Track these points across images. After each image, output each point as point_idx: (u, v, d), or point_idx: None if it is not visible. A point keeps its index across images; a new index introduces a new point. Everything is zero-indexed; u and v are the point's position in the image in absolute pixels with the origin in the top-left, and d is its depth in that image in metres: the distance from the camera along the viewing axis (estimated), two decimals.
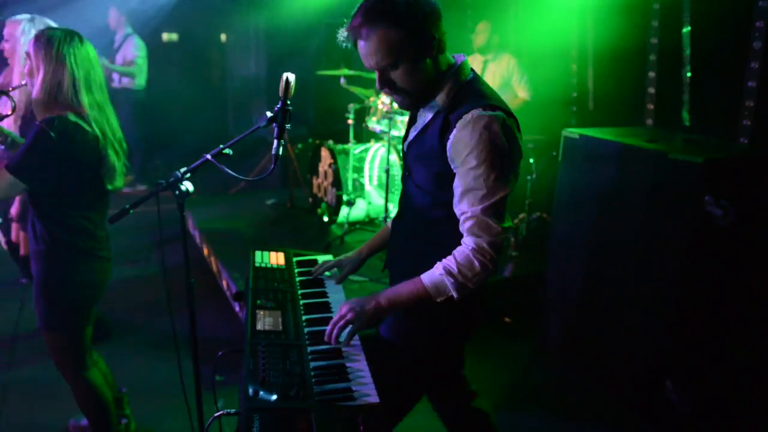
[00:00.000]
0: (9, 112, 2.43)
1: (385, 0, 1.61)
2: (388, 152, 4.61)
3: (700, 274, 2.88)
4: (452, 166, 1.70)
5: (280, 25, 7.65)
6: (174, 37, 9.85)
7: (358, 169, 5.16)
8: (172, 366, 2.18)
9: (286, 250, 2.42)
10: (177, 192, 1.98)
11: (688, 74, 4.13)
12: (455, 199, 1.70)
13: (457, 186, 1.68)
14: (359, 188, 5.09)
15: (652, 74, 4.46)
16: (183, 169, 1.97)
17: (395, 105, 4.73)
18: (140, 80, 6.81)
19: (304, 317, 1.91)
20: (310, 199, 5.48)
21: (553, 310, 3.69)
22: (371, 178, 5.20)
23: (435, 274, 1.69)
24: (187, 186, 1.99)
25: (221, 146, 1.91)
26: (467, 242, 1.67)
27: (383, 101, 4.81)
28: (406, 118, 4.79)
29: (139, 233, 5.25)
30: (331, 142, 5.10)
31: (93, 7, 6.89)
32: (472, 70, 1.78)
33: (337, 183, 4.82)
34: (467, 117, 1.63)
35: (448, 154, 1.69)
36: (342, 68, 5.26)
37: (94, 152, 2.25)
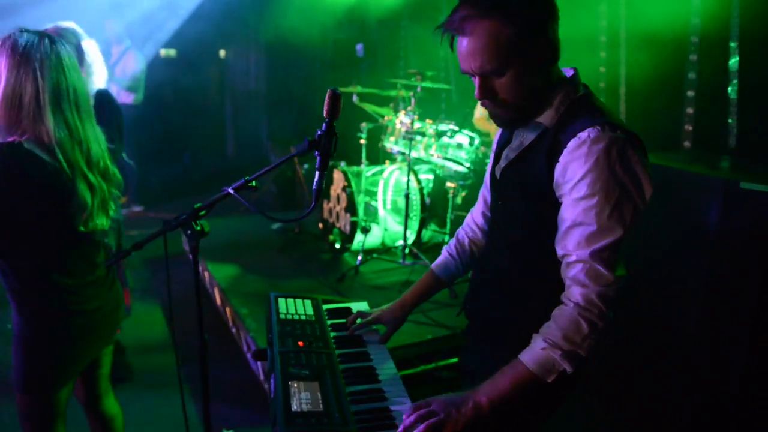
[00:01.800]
0: None
1: None
2: (409, 175, 4.27)
3: None
4: (557, 194, 1.39)
5: (281, 40, 7.36)
6: (172, 52, 9.56)
7: (371, 193, 4.83)
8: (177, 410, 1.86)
9: (314, 297, 2.07)
10: (189, 232, 1.64)
11: (734, 93, 3.82)
12: (558, 234, 1.38)
13: (563, 219, 1.37)
14: (372, 213, 4.75)
15: (691, 93, 4.14)
16: (197, 205, 1.63)
17: (416, 125, 4.40)
18: (139, 95, 6.47)
19: (347, 389, 1.55)
20: (321, 225, 5.11)
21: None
22: (385, 203, 4.86)
23: (536, 350, 1.34)
24: (202, 225, 1.66)
25: (246, 178, 1.57)
26: (570, 296, 1.35)
27: (402, 120, 4.48)
28: (427, 140, 4.47)
29: (139, 257, 4.89)
30: (343, 164, 4.76)
31: (85, 19, 6.57)
32: (584, 85, 1.47)
33: (352, 208, 4.47)
34: (582, 135, 1.32)
35: (555, 179, 1.38)
36: (355, 85, 4.94)
37: (53, 187, 1.80)
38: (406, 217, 4.23)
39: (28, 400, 2.03)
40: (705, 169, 2.78)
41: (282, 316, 1.88)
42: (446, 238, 4.61)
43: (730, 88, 3.73)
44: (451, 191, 4.46)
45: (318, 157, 1.43)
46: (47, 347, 1.98)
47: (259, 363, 3.32)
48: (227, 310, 3.96)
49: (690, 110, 4.18)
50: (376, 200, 4.81)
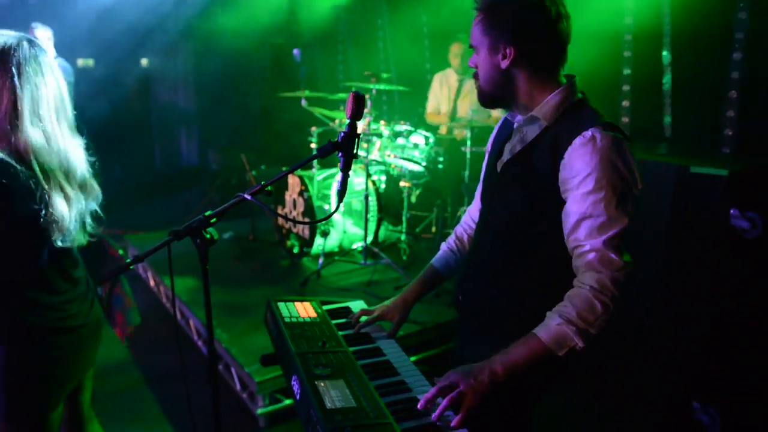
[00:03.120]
0: None
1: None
2: (367, 177, 4.31)
3: (728, 288, 2.77)
4: (562, 189, 1.49)
5: (209, 47, 7.22)
6: (90, 62, 9.15)
7: (324, 197, 4.83)
8: None
9: (311, 299, 2.09)
10: (199, 240, 1.63)
11: (667, 85, 4.11)
12: (566, 227, 1.49)
13: (571, 212, 1.47)
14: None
15: (626, 87, 4.42)
16: (208, 213, 1.61)
17: (372, 126, 4.46)
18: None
19: (372, 384, 1.58)
20: (277, 234, 5.04)
21: None
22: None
23: (551, 326, 1.43)
24: (211, 233, 1.64)
25: (262, 183, 1.57)
26: (584, 280, 1.45)
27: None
28: (382, 141, 4.53)
29: None
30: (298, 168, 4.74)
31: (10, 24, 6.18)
32: (581, 91, 1.59)
33: (310, 212, 4.46)
34: (587, 134, 1.44)
35: (560, 175, 1.48)
36: (303, 90, 4.94)
37: (27, 198, 1.68)
38: (366, 218, 4.28)
39: (14, 430, 1.93)
40: (655, 155, 2.98)
41: (288, 320, 1.89)
42: (402, 236, 4.69)
43: (664, 80, 4.01)
44: (406, 191, 4.55)
45: (341, 159, 1.46)
46: (32, 368, 1.85)
47: (234, 372, 3.28)
48: (190, 322, 3.87)
49: (626, 103, 4.46)
50: (329, 203, 4.82)
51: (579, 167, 1.43)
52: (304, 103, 4.95)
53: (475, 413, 1.41)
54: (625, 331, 3.13)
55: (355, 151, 1.47)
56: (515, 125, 1.65)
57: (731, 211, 2.71)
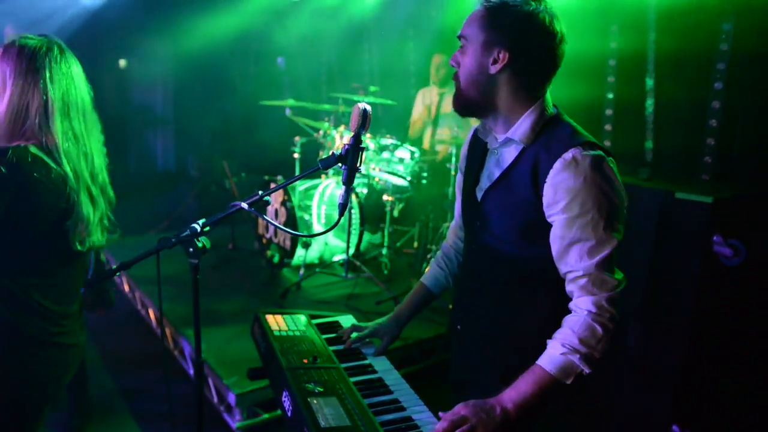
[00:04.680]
0: None
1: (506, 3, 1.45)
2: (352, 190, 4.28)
3: (709, 314, 2.80)
4: (547, 213, 1.46)
5: (190, 51, 7.11)
6: None
7: (305, 207, 4.79)
8: None
9: (300, 312, 2.06)
10: (192, 250, 1.59)
11: (650, 110, 4.18)
12: (556, 253, 1.47)
13: (559, 237, 1.45)
14: (307, 228, 4.71)
15: (609, 112, 4.48)
16: (201, 222, 1.58)
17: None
18: None
19: (365, 402, 1.55)
20: (258, 243, 4.97)
21: None
22: (319, 217, 4.84)
23: (555, 356, 1.41)
24: (203, 242, 1.61)
25: (259, 192, 1.55)
26: (581, 305, 1.44)
27: (343, 134, 4.50)
28: (366, 154, 4.51)
29: None
30: (280, 177, 4.70)
31: None
32: (554, 105, 1.56)
33: (292, 222, 4.41)
34: (567, 156, 1.41)
35: (544, 199, 1.45)
36: (287, 98, 4.91)
37: (57, 196, 1.70)
38: (349, 231, 4.24)
39: None
40: (640, 180, 3.02)
41: (277, 333, 1.85)
42: (384, 250, 4.66)
43: (646, 105, 4.08)
44: (389, 205, 4.53)
45: (344, 171, 1.43)
46: (17, 383, 1.78)
47: (211, 384, 3.20)
48: (167, 330, 3.78)
49: (608, 127, 4.52)
50: (310, 214, 4.78)
51: (562, 191, 1.41)
52: (288, 112, 4.92)
53: None
54: (605, 354, 3.15)
55: (358, 165, 1.44)
56: (489, 145, 1.60)
57: (714, 237, 2.75)
